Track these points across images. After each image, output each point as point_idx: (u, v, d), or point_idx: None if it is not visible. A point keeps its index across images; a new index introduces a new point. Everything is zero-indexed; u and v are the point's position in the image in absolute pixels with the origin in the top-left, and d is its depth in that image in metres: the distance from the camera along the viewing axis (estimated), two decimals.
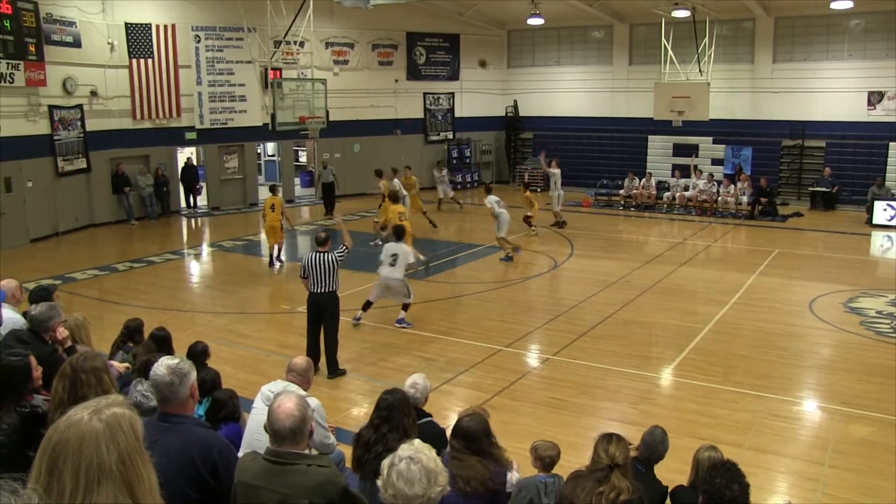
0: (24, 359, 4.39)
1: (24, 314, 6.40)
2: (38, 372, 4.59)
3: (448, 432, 5.74)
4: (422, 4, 26.71)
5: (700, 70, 23.47)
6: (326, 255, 10.14)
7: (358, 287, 14.49)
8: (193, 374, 3.85)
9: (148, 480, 2.07)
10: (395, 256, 12.06)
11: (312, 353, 10.01)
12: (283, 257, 17.11)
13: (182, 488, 3.50)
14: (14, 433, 3.92)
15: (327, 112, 22.95)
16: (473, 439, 4.70)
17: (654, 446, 5.15)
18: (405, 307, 12.41)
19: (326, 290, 10.12)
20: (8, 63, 17.85)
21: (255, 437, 5.20)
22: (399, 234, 12.62)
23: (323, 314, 10.21)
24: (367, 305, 12.43)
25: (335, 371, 10.20)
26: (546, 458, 5.28)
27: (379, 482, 2.99)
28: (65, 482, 1.94)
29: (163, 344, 7.34)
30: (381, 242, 18.27)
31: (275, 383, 5.91)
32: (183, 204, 24.75)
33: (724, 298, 13.74)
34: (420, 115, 28.96)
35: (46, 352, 5.58)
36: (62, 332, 5.94)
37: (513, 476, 5.06)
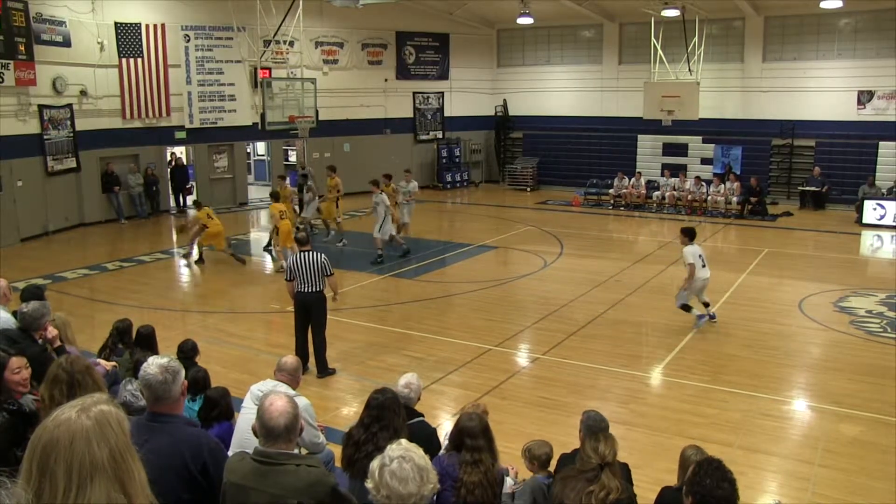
0: (6, 356, 4.38)
1: (14, 313, 6.36)
2: (19, 374, 4.56)
3: (440, 432, 5.74)
4: (411, 4, 26.68)
5: (690, 69, 23.50)
6: (311, 254, 10.11)
7: (348, 286, 14.48)
8: (183, 372, 3.85)
9: (139, 476, 2.06)
10: (702, 256, 11.96)
11: (301, 352, 9.99)
12: (274, 254, 17.15)
13: (173, 487, 3.48)
14: (2, 431, 3.91)
15: (317, 111, 22.94)
16: (487, 436, 4.65)
17: (598, 424, 4.80)
18: (706, 304, 12.39)
19: (314, 290, 10.08)
20: None
21: (245, 436, 5.18)
22: (690, 235, 12.11)
23: (310, 313, 10.17)
24: (688, 308, 12.19)
25: (325, 370, 10.18)
26: (542, 456, 5.24)
27: (369, 484, 2.98)
28: (57, 481, 1.93)
29: (145, 341, 7.35)
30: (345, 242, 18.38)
31: (264, 382, 5.90)
32: (172, 203, 24.68)
33: (714, 298, 13.74)
34: (410, 114, 28.94)
35: (36, 351, 5.56)
36: (52, 332, 5.91)
37: (507, 481, 5.05)
